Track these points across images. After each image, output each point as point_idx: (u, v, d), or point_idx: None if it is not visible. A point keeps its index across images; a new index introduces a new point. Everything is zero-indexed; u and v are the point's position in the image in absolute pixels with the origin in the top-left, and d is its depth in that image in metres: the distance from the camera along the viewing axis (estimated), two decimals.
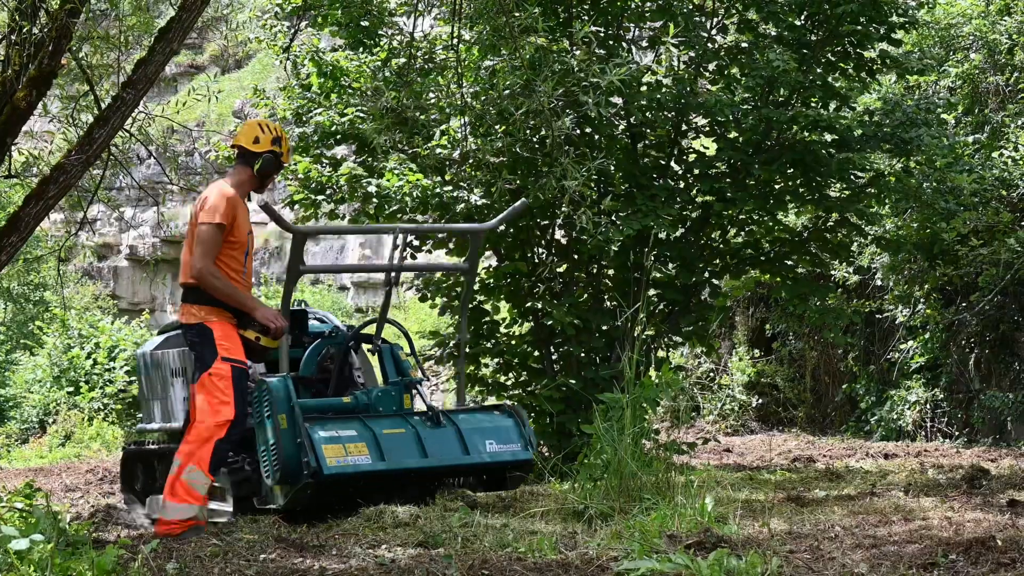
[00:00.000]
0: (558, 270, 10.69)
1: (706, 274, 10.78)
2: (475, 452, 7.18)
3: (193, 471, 6.02)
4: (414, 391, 7.50)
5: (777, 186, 10.62)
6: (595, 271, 10.71)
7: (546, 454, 9.44)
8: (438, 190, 10.02)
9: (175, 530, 5.95)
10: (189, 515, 6.02)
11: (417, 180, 9.97)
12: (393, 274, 7.52)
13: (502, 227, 9.38)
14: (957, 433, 12.61)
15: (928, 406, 12.94)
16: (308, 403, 7.16)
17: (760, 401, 15.16)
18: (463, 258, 8.57)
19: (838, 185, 10.96)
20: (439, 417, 7.25)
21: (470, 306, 10.67)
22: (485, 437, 7.27)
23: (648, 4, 10.39)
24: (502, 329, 10.76)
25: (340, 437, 6.86)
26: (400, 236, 7.51)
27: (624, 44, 10.35)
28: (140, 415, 8.78)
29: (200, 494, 6.08)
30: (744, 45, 10.42)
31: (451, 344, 10.71)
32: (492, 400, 10.64)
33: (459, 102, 9.68)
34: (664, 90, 10.14)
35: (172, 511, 6.00)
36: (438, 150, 10.04)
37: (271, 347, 6.58)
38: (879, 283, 13.49)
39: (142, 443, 8.78)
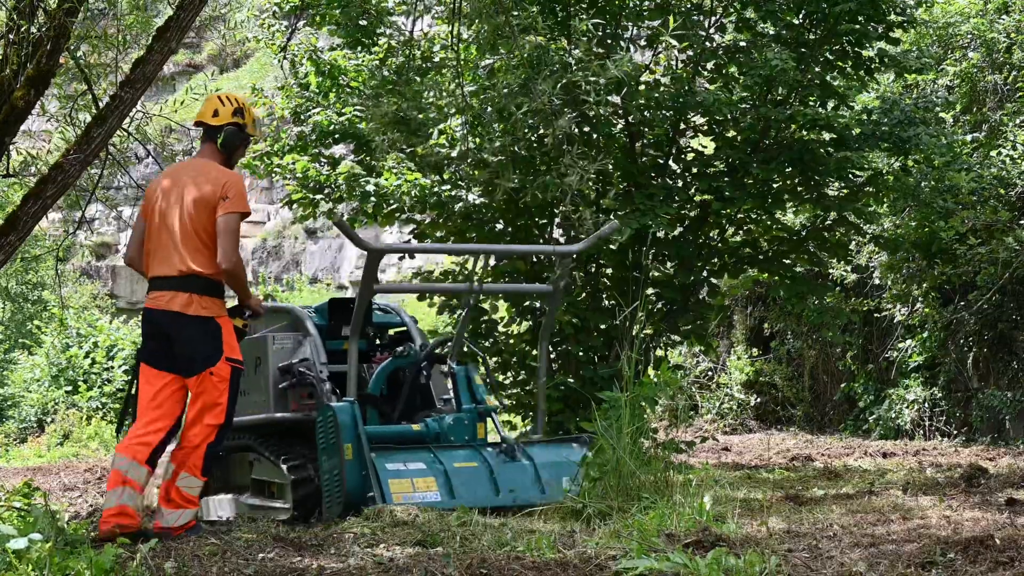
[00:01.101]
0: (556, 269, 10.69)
1: (704, 273, 10.77)
2: (550, 490, 6.73)
3: (187, 477, 6.02)
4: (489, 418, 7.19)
5: (775, 185, 10.61)
6: (593, 270, 10.71)
7: None
8: (436, 189, 10.02)
9: (173, 533, 5.96)
10: (186, 520, 6.03)
11: (415, 179, 9.96)
12: (472, 296, 7.31)
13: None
14: (955, 432, 12.60)
15: (926, 405, 12.93)
16: (376, 431, 6.82)
17: (758, 400, 15.16)
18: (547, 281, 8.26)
19: (836, 184, 10.96)
20: (514, 450, 6.91)
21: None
22: (562, 473, 6.82)
23: (647, 3, 10.38)
24: (500, 328, 10.76)
25: (408, 471, 6.51)
26: (482, 258, 7.34)
27: (622, 43, 10.34)
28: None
29: (195, 497, 6.09)
30: (742, 44, 10.42)
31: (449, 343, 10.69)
32: (491, 400, 10.58)
33: (459, 102, 9.68)
34: (662, 89, 10.13)
35: (170, 518, 6.00)
36: (436, 149, 10.04)
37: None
38: (877, 282, 13.48)
39: None
